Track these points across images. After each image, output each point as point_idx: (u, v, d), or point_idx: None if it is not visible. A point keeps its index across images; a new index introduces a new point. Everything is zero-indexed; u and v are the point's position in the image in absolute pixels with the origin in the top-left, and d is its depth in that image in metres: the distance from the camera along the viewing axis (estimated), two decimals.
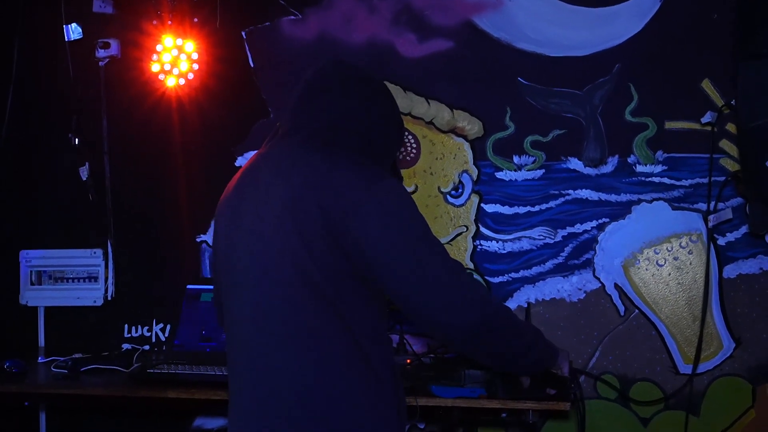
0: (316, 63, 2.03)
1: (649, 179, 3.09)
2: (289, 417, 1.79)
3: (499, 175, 3.21)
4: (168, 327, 3.49)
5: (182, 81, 3.43)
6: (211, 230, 3.45)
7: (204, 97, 3.47)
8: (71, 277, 3.59)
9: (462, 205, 3.24)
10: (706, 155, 3.03)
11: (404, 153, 3.25)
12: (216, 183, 3.21)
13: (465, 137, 3.24)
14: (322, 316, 1.78)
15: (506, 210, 3.20)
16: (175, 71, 3.41)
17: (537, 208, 3.17)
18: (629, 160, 3.11)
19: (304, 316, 1.78)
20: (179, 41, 3.39)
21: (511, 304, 3.16)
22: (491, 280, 3.19)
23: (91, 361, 3.11)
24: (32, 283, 3.61)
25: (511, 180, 3.20)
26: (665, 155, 3.07)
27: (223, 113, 3.47)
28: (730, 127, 3.00)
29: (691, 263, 3.05)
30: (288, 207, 1.79)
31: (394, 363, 1.92)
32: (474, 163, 3.23)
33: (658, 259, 3.07)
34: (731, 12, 2.95)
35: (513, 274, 3.18)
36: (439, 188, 3.24)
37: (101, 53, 3.50)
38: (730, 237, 3.01)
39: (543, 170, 3.18)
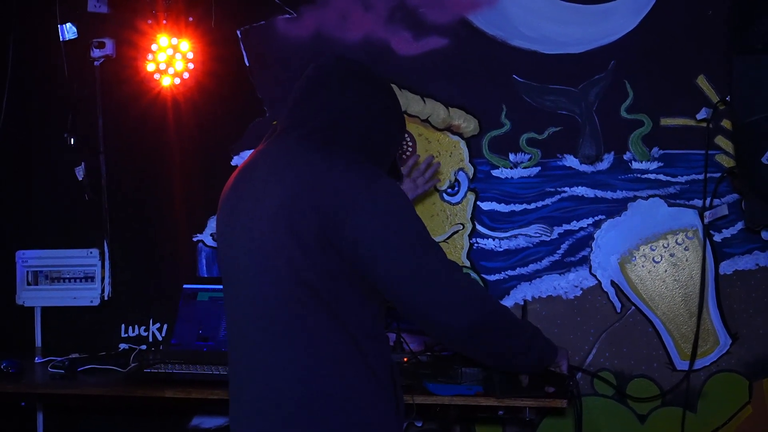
0: (316, 59, 2.02)
1: (645, 176, 3.09)
2: (287, 416, 1.79)
3: (495, 172, 3.21)
4: (165, 326, 3.49)
5: (177, 80, 3.42)
6: (207, 230, 3.45)
7: (199, 96, 3.46)
8: (68, 277, 3.58)
9: (458, 203, 3.24)
10: (702, 151, 3.03)
11: (400, 151, 3.25)
12: (212, 182, 3.24)
13: (461, 135, 3.24)
14: (317, 315, 1.78)
15: (502, 207, 3.20)
16: (171, 70, 3.40)
17: (533, 205, 3.17)
18: (625, 156, 3.11)
19: (299, 315, 1.79)
20: (174, 40, 3.38)
21: (508, 301, 3.16)
22: (488, 277, 3.19)
23: (88, 361, 3.11)
24: (29, 284, 3.60)
25: (507, 178, 3.20)
26: (661, 152, 3.08)
27: (218, 112, 3.47)
28: (726, 123, 3.00)
29: (687, 259, 3.05)
30: (283, 205, 1.79)
31: (392, 361, 1.92)
32: (470, 161, 3.23)
33: (655, 256, 3.07)
34: (726, 8, 2.96)
35: (509, 272, 3.18)
36: (435, 186, 3.24)
37: (96, 53, 3.50)
38: (726, 233, 3.02)
39: (539, 168, 3.18)
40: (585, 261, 3.12)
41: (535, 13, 3.18)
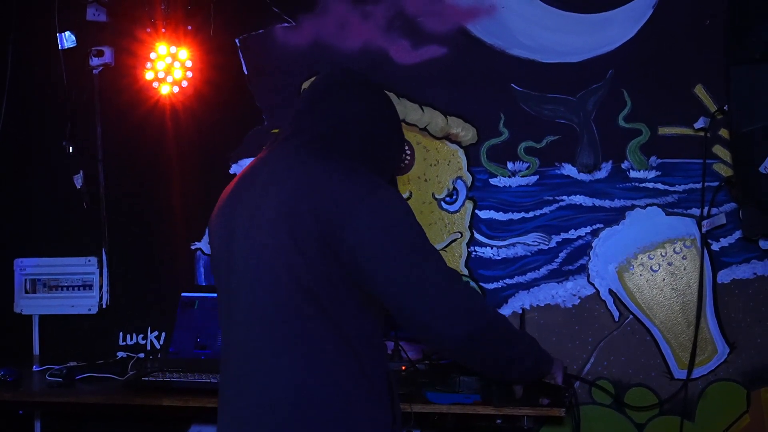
0: (323, 69, 2.02)
1: (643, 185, 3.09)
2: (279, 423, 1.78)
3: (493, 181, 3.21)
4: (163, 335, 3.49)
5: (176, 88, 3.43)
6: (205, 238, 3.44)
7: (198, 104, 3.47)
8: (66, 285, 3.58)
9: (456, 211, 3.24)
10: (700, 160, 3.03)
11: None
12: (210, 190, 3.23)
13: (459, 144, 3.24)
14: (315, 322, 1.78)
15: (500, 216, 3.20)
16: (169, 79, 3.41)
17: (531, 214, 3.18)
18: (623, 165, 3.11)
19: (297, 321, 1.78)
20: (173, 49, 3.39)
21: (506, 310, 3.16)
22: (486, 286, 3.19)
23: (85, 369, 3.11)
24: (27, 292, 3.60)
25: (505, 186, 3.20)
26: (659, 161, 3.08)
27: (217, 120, 3.47)
28: (723, 133, 3.01)
29: (685, 268, 3.05)
30: (282, 212, 1.79)
31: (389, 369, 1.91)
32: (468, 170, 3.23)
33: (652, 265, 3.07)
34: (724, 17, 2.96)
35: (507, 280, 3.18)
36: (433, 195, 3.24)
37: (95, 61, 3.50)
38: (724, 242, 3.02)
39: (537, 176, 3.18)
40: (583, 270, 3.12)
41: (533, 23, 3.19)
